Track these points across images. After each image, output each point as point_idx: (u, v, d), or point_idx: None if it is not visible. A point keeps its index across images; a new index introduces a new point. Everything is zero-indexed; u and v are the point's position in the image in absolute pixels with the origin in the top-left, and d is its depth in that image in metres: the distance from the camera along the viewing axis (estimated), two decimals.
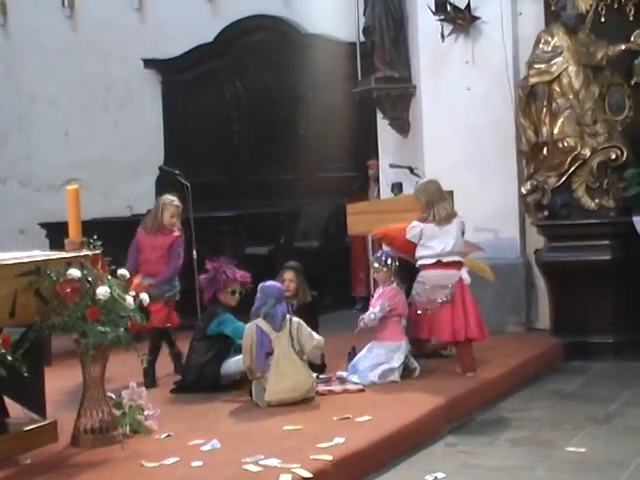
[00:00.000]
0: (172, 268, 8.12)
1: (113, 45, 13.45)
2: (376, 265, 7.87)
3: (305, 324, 7.16)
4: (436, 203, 7.84)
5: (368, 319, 7.72)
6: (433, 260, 7.79)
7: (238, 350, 7.40)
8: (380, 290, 7.88)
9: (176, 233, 8.19)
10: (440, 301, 7.76)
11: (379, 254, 7.96)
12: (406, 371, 7.71)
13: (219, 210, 11.44)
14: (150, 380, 7.75)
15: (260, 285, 7.30)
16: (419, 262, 7.89)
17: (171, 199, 8.23)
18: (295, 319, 7.16)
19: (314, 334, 7.16)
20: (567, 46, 9.32)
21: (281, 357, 6.97)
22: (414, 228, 7.85)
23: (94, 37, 13.54)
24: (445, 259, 7.79)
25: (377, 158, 11.04)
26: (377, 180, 11.15)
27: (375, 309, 7.72)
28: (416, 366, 7.81)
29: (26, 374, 5.47)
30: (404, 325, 7.83)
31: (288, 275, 8.09)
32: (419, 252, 7.86)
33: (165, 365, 8.15)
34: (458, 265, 7.86)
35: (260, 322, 7.08)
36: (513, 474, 5.80)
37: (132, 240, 8.23)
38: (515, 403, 7.61)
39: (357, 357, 7.79)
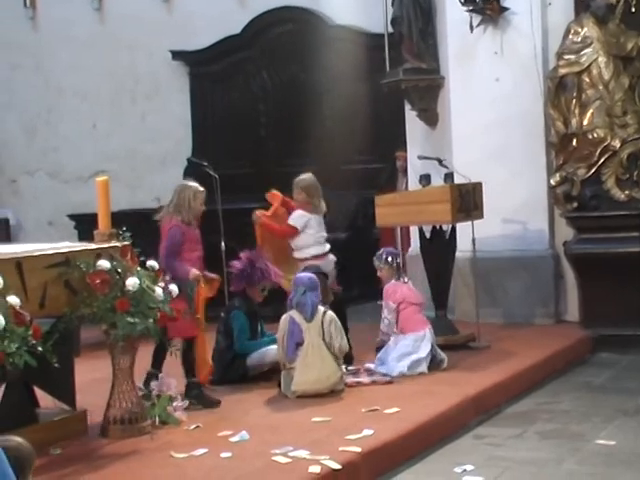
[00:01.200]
0: None
1: (141, 37, 13.47)
2: (377, 263, 7.99)
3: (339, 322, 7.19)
4: (316, 196, 8.31)
5: (384, 326, 7.83)
6: (325, 249, 8.27)
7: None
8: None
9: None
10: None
11: (379, 252, 8.06)
12: (433, 362, 7.70)
13: (247, 202, 11.42)
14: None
15: (293, 278, 7.35)
16: (309, 251, 8.22)
17: (197, 185, 7.18)
18: (330, 313, 7.17)
19: (343, 337, 7.18)
20: (597, 37, 9.26)
21: (310, 349, 6.99)
22: (302, 217, 8.24)
23: (122, 29, 13.57)
24: (327, 247, 8.33)
25: (405, 150, 11.00)
26: (405, 171, 11.10)
27: (384, 314, 7.85)
28: (443, 357, 7.80)
29: (56, 365, 5.49)
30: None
31: None
32: (305, 241, 8.24)
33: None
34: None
35: (293, 313, 7.13)
36: (542, 467, 5.77)
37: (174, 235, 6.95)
38: (544, 395, 7.58)
39: (384, 348, 7.80)
